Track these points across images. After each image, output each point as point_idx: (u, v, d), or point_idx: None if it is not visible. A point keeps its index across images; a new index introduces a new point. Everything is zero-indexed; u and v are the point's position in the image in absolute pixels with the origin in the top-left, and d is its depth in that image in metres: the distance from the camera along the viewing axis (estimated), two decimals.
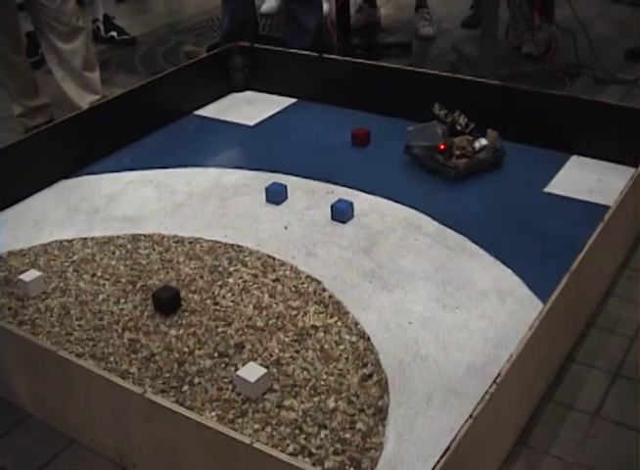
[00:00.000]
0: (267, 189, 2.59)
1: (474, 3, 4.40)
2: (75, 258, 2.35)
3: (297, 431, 1.71)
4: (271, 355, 1.92)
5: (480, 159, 2.68)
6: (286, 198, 2.58)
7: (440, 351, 1.93)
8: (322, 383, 1.84)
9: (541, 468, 1.68)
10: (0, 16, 3.12)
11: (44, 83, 3.47)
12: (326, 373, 1.86)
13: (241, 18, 3.75)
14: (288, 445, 1.68)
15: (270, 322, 2.04)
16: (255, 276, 2.22)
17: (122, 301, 2.15)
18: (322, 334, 1.99)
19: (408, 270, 2.22)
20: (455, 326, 2.01)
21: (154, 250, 2.36)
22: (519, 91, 2.83)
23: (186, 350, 1.96)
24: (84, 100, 3.30)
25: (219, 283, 2.20)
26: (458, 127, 2.72)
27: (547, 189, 2.57)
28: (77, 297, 2.18)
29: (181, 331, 2.02)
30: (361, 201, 2.54)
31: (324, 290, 2.16)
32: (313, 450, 1.67)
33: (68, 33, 3.24)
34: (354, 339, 1.97)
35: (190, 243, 2.39)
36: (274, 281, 2.19)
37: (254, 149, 3.02)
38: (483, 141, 2.68)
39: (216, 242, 2.39)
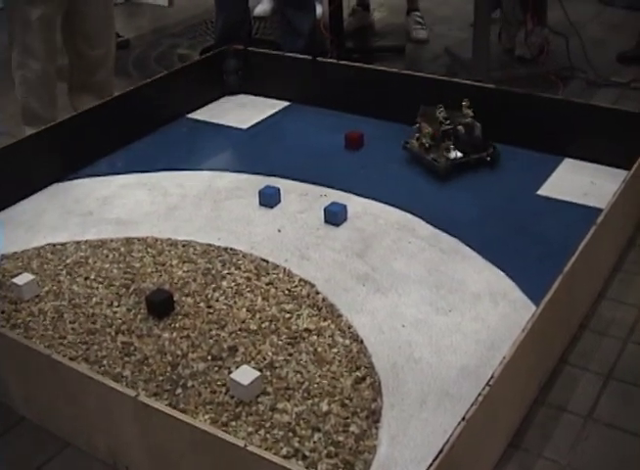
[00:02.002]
0: (260, 192, 2.59)
1: None
2: (69, 261, 2.35)
3: (290, 434, 1.71)
4: (264, 359, 1.92)
5: (426, 158, 2.71)
6: (279, 201, 2.59)
7: (434, 353, 1.93)
8: (315, 386, 1.84)
9: None
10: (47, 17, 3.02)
11: None
12: (319, 376, 1.87)
13: (234, 20, 3.75)
14: (281, 447, 1.68)
15: (263, 325, 2.04)
16: (249, 279, 2.22)
17: (116, 304, 2.15)
18: (315, 337, 1.99)
19: (401, 273, 2.22)
20: (448, 329, 2.01)
21: (147, 253, 2.36)
22: (512, 94, 2.84)
23: (179, 353, 1.96)
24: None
25: (213, 286, 2.20)
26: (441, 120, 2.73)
27: (540, 192, 2.58)
28: (71, 300, 2.18)
29: (174, 334, 2.02)
30: (354, 204, 2.54)
31: (317, 293, 2.16)
32: (307, 453, 1.67)
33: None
34: (348, 342, 1.97)
35: (183, 246, 2.39)
36: (267, 284, 2.19)
37: (248, 152, 3.02)
38: (448, 153, 2.68)
39: (210, 245, 2.39)
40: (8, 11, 3.01)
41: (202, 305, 2.13)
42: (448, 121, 2.70)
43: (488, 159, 2.71)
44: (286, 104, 3.33)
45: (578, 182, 2.61)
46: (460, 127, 2.69)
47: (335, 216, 2.45)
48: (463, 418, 1.48)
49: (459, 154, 2.69)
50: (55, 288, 2.23)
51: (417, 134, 2.78)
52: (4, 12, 3.03)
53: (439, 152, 2.70)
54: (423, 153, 2.74)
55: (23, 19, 2.96)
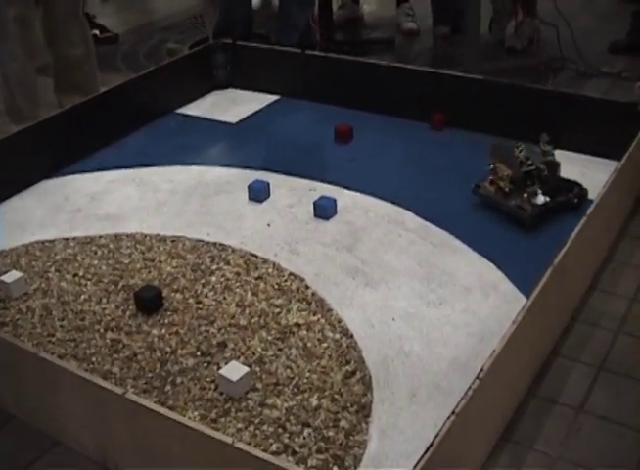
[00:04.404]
0: (250, 187, 2.58)
1: None
2: (57, 258, 2.33)
3: (280, 430, 1.70)
4: (254, 354, 1.91)
5: (507, 205, 2.39)
6: (268, 195, 2.57)
7: (424, 346, 1.93)
8: (305, 381, 1.83)
9: (526, 463, 1.68)
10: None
11: None
12: (309, 371, 1.86)
13: (233, 16, 3.70)
14: (271, 443, 1.67)
15: (253, 320, 2.03)
16: (238, 274, 2.21)
17: (104, 300, 2.14)
18: (305, 332, 1.98)
19: (392, 266, 2.21)
20: (439, 321, 2.00)
21: (136, 249, 2.35)
22: (502, 86, 2.83)
23: (168, 349, 1.95)
24: None
25: (202, 282, 2.18)
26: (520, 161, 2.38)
27: None
28: (59, 297, 2.16)
29: (163, 330, 2.01)
30: (344, 197, 2.53)
31: (307, 287, 2.15)
32: (297, 449, 1.66)
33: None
34: (337, 336, 1.96)
35: (172, 241, 2.38)
36: (257, 279, 2.18)
37: (237, 146, 3.01)
38: (535, 198, 2.35)
39: (199, 240, 2.37)
40: None
41: (191, 300, 2.11)
42: (530, 161, 2.36)
43: (576, 200, 2.40)
44: (275, 98, 3.32)
45: (569, 173, 2.59)
46: (543, 167, 2.37)
47: (324, 210, 2.44)
48: (453, 412, 1.47)
49: (547, 198, 2.36)
50: (43, 285, 2.22)
51: (491, 177, 2.44)
52: None
53: (524, 197, 2.36)
54: (502, 199, 2.41)
55: (0, 19, 2.96)
